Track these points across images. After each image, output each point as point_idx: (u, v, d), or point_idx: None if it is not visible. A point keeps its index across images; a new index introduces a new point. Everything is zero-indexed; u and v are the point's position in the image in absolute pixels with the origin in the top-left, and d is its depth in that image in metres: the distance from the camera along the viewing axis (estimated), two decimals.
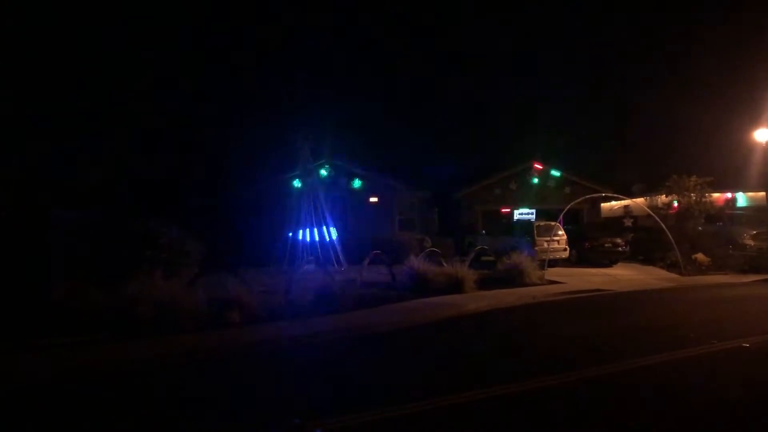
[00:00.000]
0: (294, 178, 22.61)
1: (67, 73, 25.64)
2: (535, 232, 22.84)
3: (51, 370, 8.09)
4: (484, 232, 28.57)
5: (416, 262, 16.57)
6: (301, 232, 21.35)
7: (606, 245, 23.80)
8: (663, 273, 21.07)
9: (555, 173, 33.24)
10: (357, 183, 30.21)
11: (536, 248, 21.59)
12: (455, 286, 15.47)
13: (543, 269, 18.71)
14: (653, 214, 22.73)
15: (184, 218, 16.80)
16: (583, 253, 23.88)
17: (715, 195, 27.00)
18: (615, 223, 30.19)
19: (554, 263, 21.87)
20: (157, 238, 14.58)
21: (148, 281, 11.20)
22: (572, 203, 23.50)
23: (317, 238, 21.30)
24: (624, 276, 20.19)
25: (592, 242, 24.01)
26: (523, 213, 32.89)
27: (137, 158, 25.21)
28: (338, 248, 21.56)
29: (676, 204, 25.48)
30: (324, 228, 21.64)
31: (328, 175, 29.34)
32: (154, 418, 6.26)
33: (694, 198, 24.68)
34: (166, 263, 13.51)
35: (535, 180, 33.34)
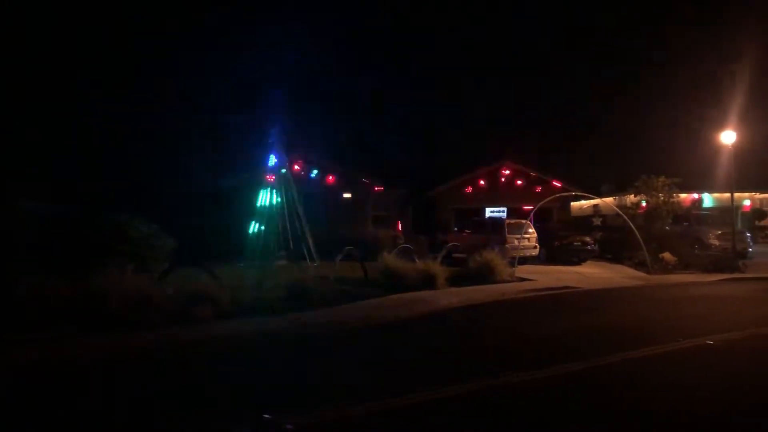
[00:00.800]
0: (267, 172, 22.44)
1: (38, 63, 25.15)
2: (506, 230, 23.02)
3: (12, 365, 7.96)
4: (456, 229, 28.74)
5: (389, 259, 16.60)
6: (274, 227, 21.20)
7: (575, 243, 24.11)
8: (631, 271, 21.41)
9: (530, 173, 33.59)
10: (331, 179, 30.13)
11: (507, 246, 21.79)
12: (427, 282, 15.54)
13: (513, 267, 18.89)
14: (622, 214, 23.09)
15: (155, 212, 16.61)
16: (553, 252, 24.17)
17: (682, 195, 27.54)
18: (584, 222, 30.62)
19: (524, 261, 22.08)
20: (128, 232, 14.40)
21: (118, 276, 11.06)
22: (543, 202, 23.76)
23: (290, 233, 21.18)
24: (592, 274, 20.48)
25: (562, 240, 24.32)
26: (494, 211, 33.16)
27: (109, 151, 24.84)
28: (311, 244, 21.49)
29: (644, 204, 25.93)
30: (297, 223, 21.54)
31: (302, 170, 29.21)
32: (121, 415, 6.20)
33: (661, 198, 25.14)
34: (137, 257, 13.37)
35: (507, 179, 33.62)
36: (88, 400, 6.71)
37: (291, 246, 20.91)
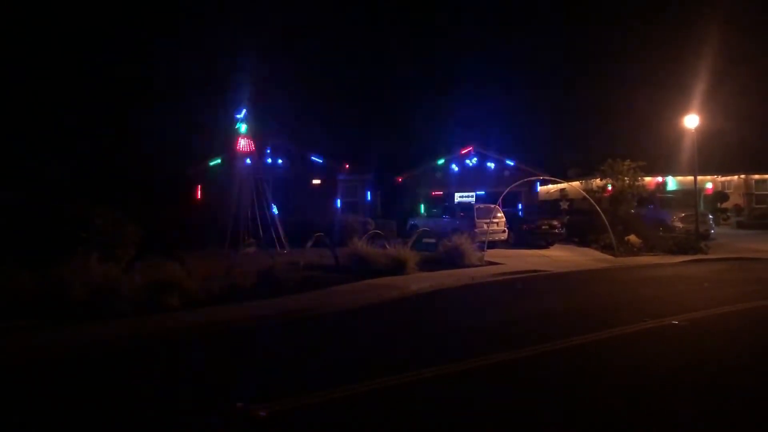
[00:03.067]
0: (235, 158, 22.19)
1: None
2: (475, 214, 23.15)
3: None
4: (425, 214, 28.82)
5: (359, 245, 16.59)
6: (243, 213, 20.99)
7: (543, 227, 24.34)
8: (597, 254, 21.72)
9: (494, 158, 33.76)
10: (300, 165, 29.91)
11: (476, 230, 21.91)
12: (398, 267, 15.57)
13: (482, 251, 19.02)
14: (588, 197, 23.36)
15: (121, 199, 16.33)
16: (521, 235, 24.37)
17: (647, 179, 27.99)
18: (552, 205, 30.91)
19: (493, 245, 22.24)
20: (92, 219, 14.11)
21: (82, 264, 10.84)
22: (511, 186, 23.91)
23: (259, 220, 21.02)
24: (560, 257, 20.74)
25: (530, 224, 24.53)
26: (463, 196, 33.31)
27: (71, 138, 24.28)
28: (281, 230, 21.36)
29: (610, 187, 26.26)
30: (266, 210, 21.37)
31: (271, 156, 28.95)
32: (86, 407, 6.08)
33: (627, 181, 25.47)
34: (102, 246, 13.09)
35: (475, 164, 33.75)
36: (52, 394, 6.58)
37: (261, 233, 20.76)
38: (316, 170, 30.27)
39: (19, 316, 9.51)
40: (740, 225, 33.25)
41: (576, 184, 29.37)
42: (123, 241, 14.74)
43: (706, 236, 23.41)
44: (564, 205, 28.41)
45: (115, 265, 11.70)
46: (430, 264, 16.86)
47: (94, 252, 11.59)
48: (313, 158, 30.39)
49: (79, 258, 10.99)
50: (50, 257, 10.89)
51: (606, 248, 22.10)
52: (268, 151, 28.85)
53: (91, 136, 25.59)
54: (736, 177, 36.53)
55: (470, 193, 33.25)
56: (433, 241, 20.67)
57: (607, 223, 21.65)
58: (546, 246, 23.99)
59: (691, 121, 23.24)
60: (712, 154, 31.89)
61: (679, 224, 24.49)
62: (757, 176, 36.35)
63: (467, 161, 33.83)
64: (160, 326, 9.59)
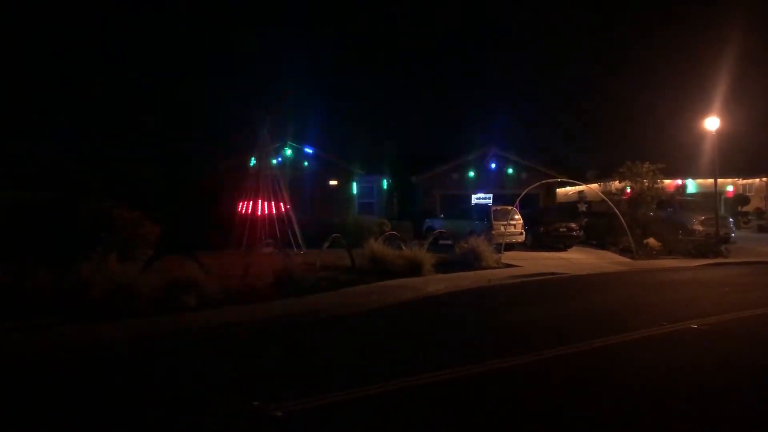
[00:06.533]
0: (252, 159, 22.29)
1: (9, 44, 24.74)
2: (492, 216, 23.05)
3: None
4: (442, 216, 28.76)
5: (375, 246, 16.57)
6: (260, 214, 21.09)
7: (561, 229, 24.18)
8: (616, 257, 21.54)
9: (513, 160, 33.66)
10: (317, 166, 30.03)
11: (493, 232, 21.81)
12: (414, 269, 15.53)
13: (499, 253, 18.93)
14: (607, 200, 23.18)
15: (139, 200, 16.48)
16: (539, 237, 24.24)
17: (667, 181, 27.75)
18: (570, 208, 30.70)
19: (510, 247, 22.11)
20: (112, 219, 14.27)
21: (101, 264, 10.95)
22: (529, 188, 23.80)
23: (276, 221, 21.09)
24: (578, 260, 20.59)
25: (548, 227, 24.38)
26: (480, 197, 33.21)
27: (90, 137, 24.52)
28: (297, 231, 21.42)
29: (629, 190, 26.06)
30: (283, 211, 21.44)
31: (288, 158, 29.08)
32: (105, 406, 6.14)
33: (646, 184, 25.28)
34: (121, 245, 13.24)
35: (493, 165, 33.65)
36: (70, 392, 6.65)
37: (278, 233, 20.82)
38: (333, 171, 30.37)
39: (38, 315, 9.61)
40: (761, 229, 32.83)
41: (594, 186, 29.19)
42: (142, 241, 14.90)
43: (726, 240, 23.15)
44: (582, 208, 28.21)
45: (133, 264, 11.80)
46: (446, 266, 16.82)
47: (114, 251, 11.71)
48: (330, 159, 30.49)
49: (99, 257, 11.10)
50: (70, 256, 11.00)
51: (624, 251, 21.92)
52: (287, 152, 29.00)
53: (111, 135, 25.84)
54: (757, 180, 36.06)
55: (488, 195, 33.15)
56: (449, 242, 20.62)
57: (625, 225, 21.48)
58: (564, 249, 23.81)
59: (712, 123, 23.00)
60: (733, 157, 31.56)
61: (699, 227, 24.23)
62: None
63: (485, 162, 33.74)
64: (178, 325, 9.65)
